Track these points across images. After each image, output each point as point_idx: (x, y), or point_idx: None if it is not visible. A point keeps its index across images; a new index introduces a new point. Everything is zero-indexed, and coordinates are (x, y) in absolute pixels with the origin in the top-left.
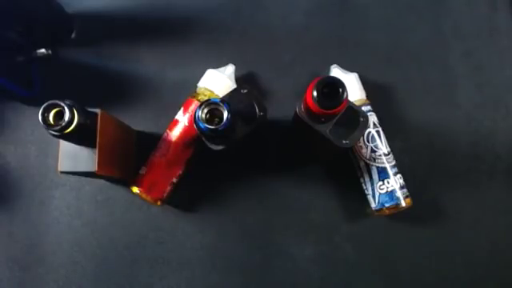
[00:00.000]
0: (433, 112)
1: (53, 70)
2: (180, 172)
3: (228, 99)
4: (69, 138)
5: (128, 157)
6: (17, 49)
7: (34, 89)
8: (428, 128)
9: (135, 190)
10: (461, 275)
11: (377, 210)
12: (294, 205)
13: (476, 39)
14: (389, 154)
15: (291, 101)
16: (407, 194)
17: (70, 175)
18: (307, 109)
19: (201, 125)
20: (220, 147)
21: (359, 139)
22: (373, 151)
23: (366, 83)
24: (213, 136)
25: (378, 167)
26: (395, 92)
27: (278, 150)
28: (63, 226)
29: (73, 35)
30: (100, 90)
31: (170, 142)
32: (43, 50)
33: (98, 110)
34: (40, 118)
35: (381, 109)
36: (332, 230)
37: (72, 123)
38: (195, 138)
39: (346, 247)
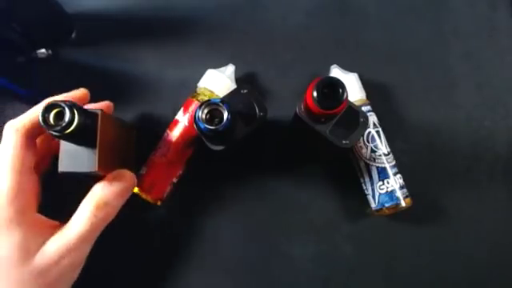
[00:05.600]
0: (433, 112)
1: (53, 69)
2: (180, 172)
3: (228, 99)
4: (69, 138)
5: (128, 157)
6: (17, 49)
7: (34, 89)
8: (428, 128)
9: (135, 190)
10: (461, 275)
11: (377, 210)
12: (294, 205)
13: (476, 39)
14: (389, 154)
15: (291, 101)
16: (407, 194)
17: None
18: (307, 109)
19: (201, 125)
20: (220, 147)
21: (359, 139)
22: (373, 151)
23: (365, 83)
24: (213, 136)
25: (377, 167)
26: (395, 92)
27: (278, 150)
28: None
29: (73, 35)
30: (100, 89)
31: (170, 141)
32: (43, 50)
33: (98, 111)
34: (40, 118)
35: (381, 109)
36: (332, 229)
37: (72, 123)
38: (195, 138)
39: (346, 247)
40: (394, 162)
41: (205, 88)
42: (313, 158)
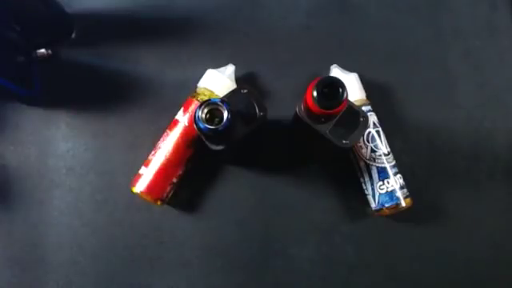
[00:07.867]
0: (433, 112)
1: (53, 69)
2: (180, 172)
3: (228, 99)
4: None
5: None
6: (17, 49)
7: (34, 89)
8: (428, 128)
9: (135, 189)
10: (461, 275)
11: (377, 210)
12: (294, 205)
13: (476, 39)
14: (389, 153)
15: (291, 101)
16: (407, 194)
17: (70, 175)
18: (307, 109)
19: (201, 125)
20: (220, 147)
21: (359, 139)
22: (373, 151)
23: (365, 83)
24: (213, 136)
25: (377, 167)
26: (395, 92)
27: (278, 149)
28: (63, 226)
29: (73, 35)
30: (100, 89)
31: (170, 141)
32: (43, 50)
33: None
34: None
35: (381, 109)
36: (332, 230)
37: None
38: (195, 138)
39: (346, 247)
40: (393, 162)
41: (205, 88)
42: (313, 157)
